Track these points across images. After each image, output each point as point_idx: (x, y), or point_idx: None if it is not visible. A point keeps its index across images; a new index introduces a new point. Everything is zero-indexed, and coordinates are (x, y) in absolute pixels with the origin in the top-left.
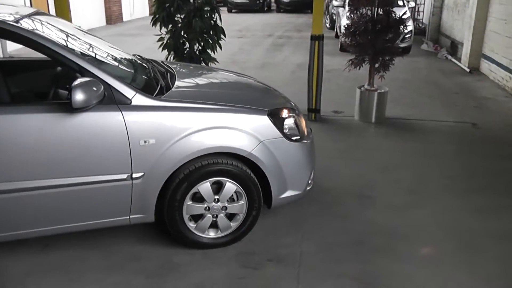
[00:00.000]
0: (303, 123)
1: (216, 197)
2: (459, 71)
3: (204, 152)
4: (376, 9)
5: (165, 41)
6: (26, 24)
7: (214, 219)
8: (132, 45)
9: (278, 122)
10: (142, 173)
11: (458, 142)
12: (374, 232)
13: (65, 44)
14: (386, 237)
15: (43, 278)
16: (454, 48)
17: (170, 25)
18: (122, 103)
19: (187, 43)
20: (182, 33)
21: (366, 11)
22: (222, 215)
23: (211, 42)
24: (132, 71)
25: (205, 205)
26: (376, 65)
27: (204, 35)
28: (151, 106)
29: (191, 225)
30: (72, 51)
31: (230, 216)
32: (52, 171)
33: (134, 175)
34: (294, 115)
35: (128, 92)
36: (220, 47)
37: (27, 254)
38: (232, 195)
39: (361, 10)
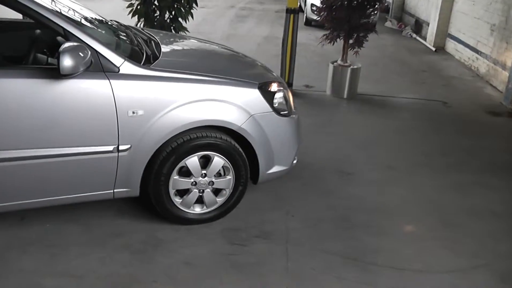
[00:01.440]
0: (291, 97)
1: (203, 171)
2: (425, 49)
3: (194, 125)
4: None
5: (135, 7)
6: None
7: (200, 194)
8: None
9: (268, 96)
10: (129, 146)
11: (430, 119)
12: (357, 208)
13: (49, 6)
14: (369, 213)
15: (24, 252)
16: (418, 26)
17: None
18: (110, 71)
19: (157, 10)
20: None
21: None
22: (208, 190)
23: (183, 11)
24: (116, 38)
25: (192, 180)
26: (351, 41)
27: (176, 3)
28: (140, 75)
29: (177, 200)
30: (57, 13)
31: (216, 192)
32: (34, 140)
33: (120, 147)
34: (283, 89)
35: (116, 59)
36: (192, 16)
37: (3, 228)
38: (219, 170)
39: None
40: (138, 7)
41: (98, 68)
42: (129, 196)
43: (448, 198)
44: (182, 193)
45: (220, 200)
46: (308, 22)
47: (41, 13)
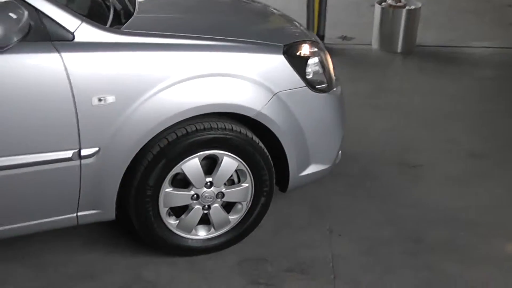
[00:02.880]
0: (330, 63)
1: (208, 179)
2: None
3: (191, 114)
4: None
5: None
6: None
7: (205, 211)
8: None
9: (298, 63)
10: (97, 148)
11: None
12: (431, 220)
13: None
14: (449, 227)
15: None
16: None
17: None
18: (60, 39)
19: None
20: None
21: None
22: (217, 205)
23: None
24: None
25: (192, 192)
26: None
27: None
28: (106, 43)
29: (171, 222)
30: None
31: (228, 207)
32: None
33: (83, 152)
34: (319, 51)
35: (69, 21)
36: None
37: None
38: (232, 176)
39: None
40: None
41: (42, 35)
42: (101, 221)
43: None
44: (178, 211)
45: (234, 218)
46: None
47: None
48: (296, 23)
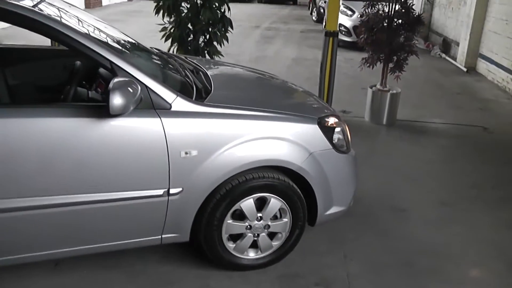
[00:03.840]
0: (348, 132)
1: (259, 214)
2: (456, 70)
3: (252, 166)
4: (393, 5)
5: (168, 31)
6: (46, 10)
7: (255, 238)
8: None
9: (327, 131)
10: (181, 189)
11: (473, 146)
12: (419, 251)
13: (95, 37)
14: (431, 257)
15: None
16: (446, 46)
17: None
18: (161, 108)
19: (192, 34)
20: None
21: (382, 7)
22: (264, 234)
23: (219, 34)
24: (163, 69)
25: (247, 224)
26: (391, 65)
27: (211, 27)
28: (194, 112)
29: (230, 245)
30: (103, 44)
31: (271, 235)
32: (77, 186)
33: (171, 191)
34: (341, 122)
35: (168, 95)
36: (227, 40)
37: (34, 275)
38: (276, 213)
39: (378, 6)
40: (172, 30)
41: (149, 105)
42: (178, 242)
43: (509, 237)
44: (235, 237)
45: (275, 244)
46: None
47: (85, 45)
48: (317, 98)
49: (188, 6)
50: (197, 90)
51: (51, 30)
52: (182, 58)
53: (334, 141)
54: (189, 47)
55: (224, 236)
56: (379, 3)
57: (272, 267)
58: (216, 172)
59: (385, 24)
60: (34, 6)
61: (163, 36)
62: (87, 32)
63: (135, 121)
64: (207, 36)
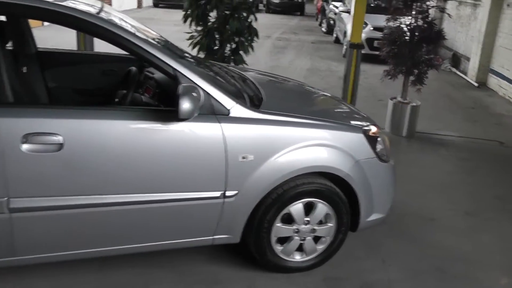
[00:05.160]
0: (387, 142)
1: (306, 219)
2: (467, 84)
3: (304, 171)
4: (416, 19)
5: (195, 40)
6: (108, 17)
7: (302, 241)
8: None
9: (371, 140)
10: (236, 192)
11: (492, 160)
12: (450, 258)
13: (158, 44)
14: (463, 264)
15: None
16: (456, 60)
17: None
18: (221, 114)
19: (219, 43)
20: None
21: (404, 21)
22: (310, 238)
23: (246, 43)
24: (218, 77)
25: (295, 227)
26: (412, 78)
27: (238, 36)
28: (251, 118)
29: (278, 248)
30: (167, 52)
31: (315, 239)
32: (137, 185)
33: (227, 193)
34: (382, 133)
35: (227, 102)
36: (253, 49)
37: (81, 273)
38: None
39: (400, 19)
40: (199, 38)
41: (210, 110)
42: (228, 243)
43: None
44: (282, 240)
45: (320, 248)
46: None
47: (150, 52)
48: (353, 107)
49: (216, 15)
50: (249, 98)
51: (117, 37)
52: (225, 66)
53: (377, 150)
54: (215, 56)
55: (273, 239)
56: (401, 17)
57: (316, 270)
58: (271, 177)
59: (407, 38)
60: (98, 13)
61: (190, 44)
62: (149, 39)
63: (197, 125)
64: (233, 45)
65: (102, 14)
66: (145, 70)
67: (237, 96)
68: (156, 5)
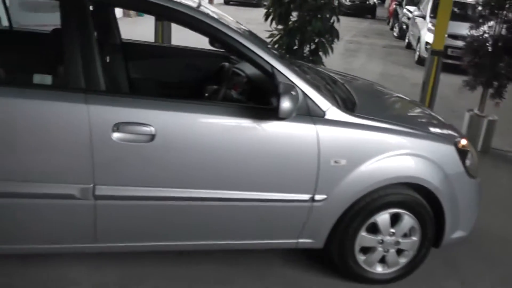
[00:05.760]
0: (476, 158)
1: (392, 230)
2: None
3: (395, 181)
4: (500, 26)
5: (275, 38)
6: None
7: (385, 253)
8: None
9: (461, 153)
10: (325, 196)
11: None
12: None
13: (256, 41)
14: None
15: None
16: None
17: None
18: (316, 115)
19: (298, 43)
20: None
21: (488, 29)
22: (393, 250)
23: (326, 44)
24: (311, 77)
25: (379, 238)
26: (491, 91)
27: (319, 37)
28: (346, 122)
29: (361, 257)
30: (266, 49)
31: (398, 252)
32: (228, 182)
33: (316, 197)
34: (471, 147)
35: (323, 103)
36: (332, 51)
37: (161, 264)
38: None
39: (485, 26)
40: (279, 37)
41: (305, 111)
42: (311, 248)
43: None
44: (365, 250)
45: (402, 261)
46: (421, 61)
47: (249, 48)
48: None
49: (298, 15)
50: (342, 100)
51: (218, 33)
52: (314, 67)
53: (466, 164)
54: (294, 56)
55: (357, 248)
56: (485, 24)
57: (395, 285)
58: (361, 184)
59: (489, 48)
60: (197, 7)
61: (270, 43)
62: (247, 36)
63: (292, 126)
64: (312, 46)
65: (203, 9)
66: (233, 66)
67: (331, 98)
68: (227, 2)
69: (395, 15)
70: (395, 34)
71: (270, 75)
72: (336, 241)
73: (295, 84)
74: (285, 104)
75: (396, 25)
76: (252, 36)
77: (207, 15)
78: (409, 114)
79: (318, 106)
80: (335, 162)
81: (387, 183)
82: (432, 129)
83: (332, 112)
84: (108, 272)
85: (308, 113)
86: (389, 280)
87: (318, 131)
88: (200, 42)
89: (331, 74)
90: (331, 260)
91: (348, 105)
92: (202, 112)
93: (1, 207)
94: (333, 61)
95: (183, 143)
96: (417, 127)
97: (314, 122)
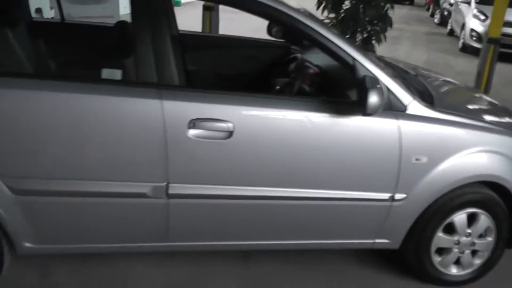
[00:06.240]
0: None
1: (468, 230)
2: None
3: (475, 179)
4: None
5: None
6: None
7: (460, 254)
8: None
9: None
10: (405, 195)
11: None
12: None
13: (333, 31)
14: None
15: None
16: None
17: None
18: (397, 110)
19: (350, 32)
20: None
21: None
22: (468, 251)
23: (379, 33)
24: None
25: (455, 238)
26: None
27: (372, 25)
28: (427, 117)
29: (436, 258)
30: (346, 40)
31: (472, 253)
32: (308, 181)
33: (396, 196)
34: None
35: (405, 97)
36: (385, 39)
37: (226, 263)
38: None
39: None
40: (332, 26)
41: (387, 106)
42: (387, 248)
43: None
44: (440, 251)
45: (477, 263)
46: (465, 49)
47: (332, 40)
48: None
49: (350, 3)
50: (419, 94)
51: (297, 23)
52: (384, 58)
53: None
54: None
55: (433, 249)
56: None
57: (468, 286)
58: (441, 182)
59: None
60: None
61: None
62: (326, 26)
63: (375, 121)
64: (365, 34)
65: None
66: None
67: (410, 91)
68: None
69: (435, 1)
70: (435, 21)
71: (351, 68)
72: (413, 242)
73: (378, 78)
74: (373, 99)
75: (437, 11)
76: (329, 27)
77: (285, 4)
78: (483, 107)
79: (400, 100)
80: (416, 159)
81: (468, 181)
82: (505, 123)
83: (414, 106)
84: (172, 271)
85: (390, 108)
86: (463, 282)
87: (400, 127)
88: (249, 31)
89: (401, 66)
90: (406, 261)
91: (426, 99)
92: (282, 107)
93: (73, 206)
94: (379, 49)
95: (262, 139)
96: (492, 121)
97: (396, 117)
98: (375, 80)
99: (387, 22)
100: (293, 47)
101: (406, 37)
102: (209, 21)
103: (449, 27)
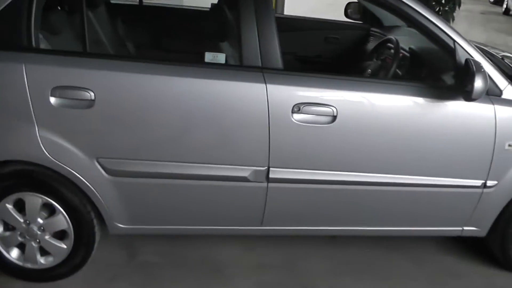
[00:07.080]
0: None
1: None
2: None
3: None
4: None
5: None
6: None
7: None
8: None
9: None
10: (496, 182)
11: None
12: None
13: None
14: None
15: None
16: None
17: None
18: (494, 95)
19: None
20: None
21: None
22: None
23: (449, 12)
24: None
25: None
26: None
27: (440, 5)
28: None
29: None
30: (446, 22)
31: None
32: (406, 167)
33: (488, 183)
34: None
35: (501, 82)
36: (453, 19)
37: (313, 245)
38: None
39: None
40: None
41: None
42: (474, 236)
43: None
44: None
45: None
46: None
47: (433, 22)
48: None
49: None
50: (510, 77)
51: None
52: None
53: None
54: None
55: None
56: None
57: None
58: None
59: None
60: None
61: None
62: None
63: (473, 106)
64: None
65: None
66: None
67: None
68: None
69: None
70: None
71: (451, 51)
72: (499, 230)
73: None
74: (479, 83)
75: None
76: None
77: None
78: None
79: (496, 85)
80: (509, 145)
81: None
82: None
83: (509, 91)
84: (264, 254)
85: (487, 92)
86: None
87: (496, 112)
88: (322, 8)
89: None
90: (489, 250)
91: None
92: (383, 91)
93: (169, 188)
94: None
95: (364, 124)
96: None
97: (492, 102)
98: (479, 64)
99: (456, 2)
100: (372, 29)
101: (462, 16)
102: (275, 1)
103: (504, 6)
